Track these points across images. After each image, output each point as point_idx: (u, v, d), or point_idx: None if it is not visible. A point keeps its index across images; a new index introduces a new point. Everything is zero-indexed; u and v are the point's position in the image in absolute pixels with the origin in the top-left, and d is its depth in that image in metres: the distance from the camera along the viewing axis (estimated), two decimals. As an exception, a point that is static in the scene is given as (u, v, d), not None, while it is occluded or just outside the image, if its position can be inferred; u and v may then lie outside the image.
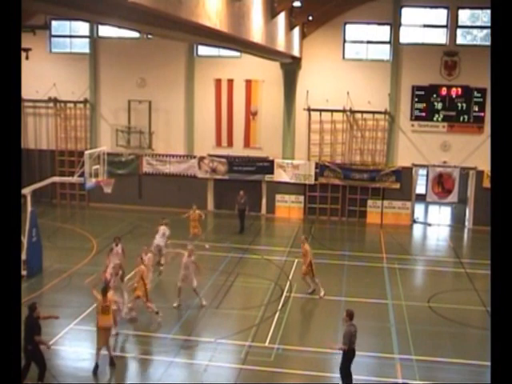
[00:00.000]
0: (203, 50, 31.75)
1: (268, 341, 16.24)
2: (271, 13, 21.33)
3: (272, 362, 15.14)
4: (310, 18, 28.45)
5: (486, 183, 30.34)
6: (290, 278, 21.64)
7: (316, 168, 31.41)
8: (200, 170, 32.23)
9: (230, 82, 31.83)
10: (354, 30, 31.35)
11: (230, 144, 32.33)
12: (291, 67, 30.95)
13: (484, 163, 30.40)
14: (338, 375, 14.56)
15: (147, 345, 16.14)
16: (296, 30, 28.11)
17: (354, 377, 14.23)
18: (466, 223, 31.66)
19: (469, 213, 31.59)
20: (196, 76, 32.23)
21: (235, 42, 18.60)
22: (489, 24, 30.83)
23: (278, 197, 31.96)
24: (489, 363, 15.42)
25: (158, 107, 32.45)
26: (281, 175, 31.67)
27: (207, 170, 32.18)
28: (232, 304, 19.18)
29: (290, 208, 31.88)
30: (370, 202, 31.36)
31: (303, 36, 30.59)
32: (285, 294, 19.97)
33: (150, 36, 27.99)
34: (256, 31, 19.11)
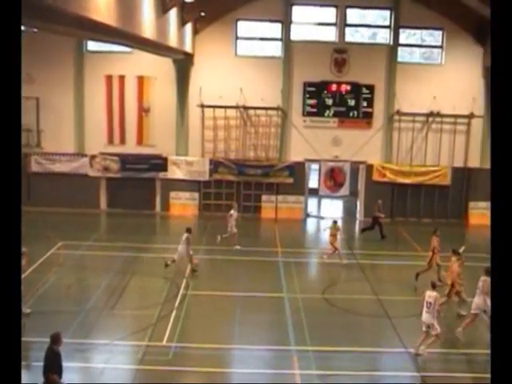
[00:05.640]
0: (93, 45, 30.96)
1: (165, 339, 16.06)
2: (162, 8, 21.11)
3: (170, 361, 14.98)
4: (202, 14, 28.38)
5: (376, 176, 31.52)
6: (186, 275, 21.51)
7: (210, 164, 31.43)
8: (92, 168, 31.44)
9: (121, 78, 31.23)
10: (246, 27, 31.55)
11: (123, 141, 31.76)
12: (184, 63, 30.74)
13: (373, 157, 31.59)
14: (236, 370, 14.66)
15: (38, 350, 15.55)
16: (188, 26, 27.99)
17: (249, 371, 14.36)
18: (357, 216, 32.68)
19: (359, 205, 32.62)
20: (86, 72, 31.36)
21: (125, 37, 18.26)
22: (375, 23, 31.97)
23: (173, 194, 31.71)
24: (378, 349, 16.06)
25: (46, 104, 31.29)
26: (175, 172, 31.44)
27: (99, 168, 31.42)
28: (128, 304, 18.85)
29: (184, 205, 31.72)
30: (264, 197, 31.71)
31: (195, 32, 30.49)
32: (181, 291, 19.82)
33: (35, 30, 26.95)
34: (147, 26, 18.86)
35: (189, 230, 21.94)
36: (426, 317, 15.34)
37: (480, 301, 16.42)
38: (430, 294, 15.36)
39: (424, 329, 15.38)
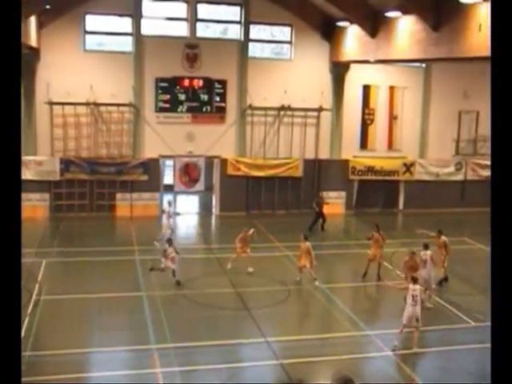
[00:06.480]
0: None
1: (18, 348, 15.27)
2: (2, -1, 20.00)
3: (24, 371, 14.16)
4: (48, 6, 27.23)
5: (230, 170, 31.92)
6: (39, 279, 20.63)
7: (61, 164, 30.26)
8: None
9: (-40, 73, 29.32)
10: (94, 21, 30.67)
11: (-36, 141, 29.86)
12: (29, 58, 29.20)
13: (227, 151, 31.95)
14: (96, 374, 14.29)
15: None
16: (33, 19, 26.75)
17: (110, 373, 14.02)
18: (213, 210, 32.90)
19: (215, 200, 32.85)
20: None
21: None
22: (226, 18, 32.29)
23: (22, 196, 30.18)
24: (238, 341, 16.24)
25: None
26: (23, 173, 29.84)
27: None
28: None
29: (34, 207, 30.26)
30: (118, 196, 31.09)
31: (41, 26, 29.13)
32: (34, 296, 18.95)
33: None
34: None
35: (169, 242, 20.84)
36: (414, 309, 15.47)
37: (425, 274, 18.39)
38: (414, 288, 15.56)
39: (414, 324, 15.53)
